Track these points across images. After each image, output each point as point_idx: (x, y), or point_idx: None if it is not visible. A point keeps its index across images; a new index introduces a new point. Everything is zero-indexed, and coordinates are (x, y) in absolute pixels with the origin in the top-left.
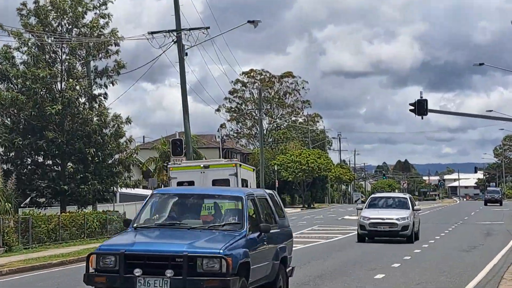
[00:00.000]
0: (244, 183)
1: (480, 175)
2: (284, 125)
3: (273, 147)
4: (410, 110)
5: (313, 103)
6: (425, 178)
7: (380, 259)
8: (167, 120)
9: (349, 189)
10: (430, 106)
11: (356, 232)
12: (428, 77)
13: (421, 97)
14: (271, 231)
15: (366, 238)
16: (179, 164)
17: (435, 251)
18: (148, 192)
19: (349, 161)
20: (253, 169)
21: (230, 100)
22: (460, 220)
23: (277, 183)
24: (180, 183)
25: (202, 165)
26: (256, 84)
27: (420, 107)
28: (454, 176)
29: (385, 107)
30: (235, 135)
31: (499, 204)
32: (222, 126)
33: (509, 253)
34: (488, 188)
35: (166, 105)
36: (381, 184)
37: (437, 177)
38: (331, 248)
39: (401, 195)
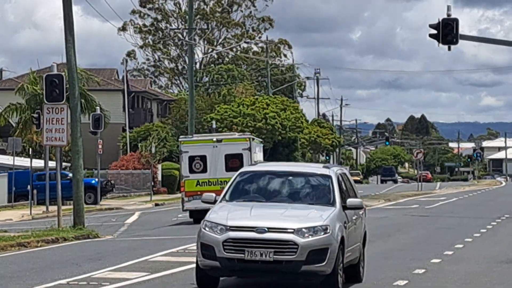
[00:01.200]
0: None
1: None
2: (230, 56)
3: (211, 92)
4: (431, 36)
5: (276, 22)
6: (452, 145)
7: None
8: (39, 44)
9: (331, 161)
10: (462, 30)
11: (195, 262)
12: None
13: (449, 15)
14: None
15: (220, 277)
16: (191, 137)
17: (457, 265)
18: (6, 158)
19: (333, 116)
20: (261, 142)
21: (142, 14)
22: (505, 213)
23: None
24: (191, 158)
25: (214, 139)
26: None
27: (447, 31)
28: (498, 142)
29: (391, 31)
30: (150, 70)
31: None
32: (130, 55)
33: None
34: None
35: (38, 19)
36: (382, 153)
37: (472, 145)
38: None
39: (317, 169)
